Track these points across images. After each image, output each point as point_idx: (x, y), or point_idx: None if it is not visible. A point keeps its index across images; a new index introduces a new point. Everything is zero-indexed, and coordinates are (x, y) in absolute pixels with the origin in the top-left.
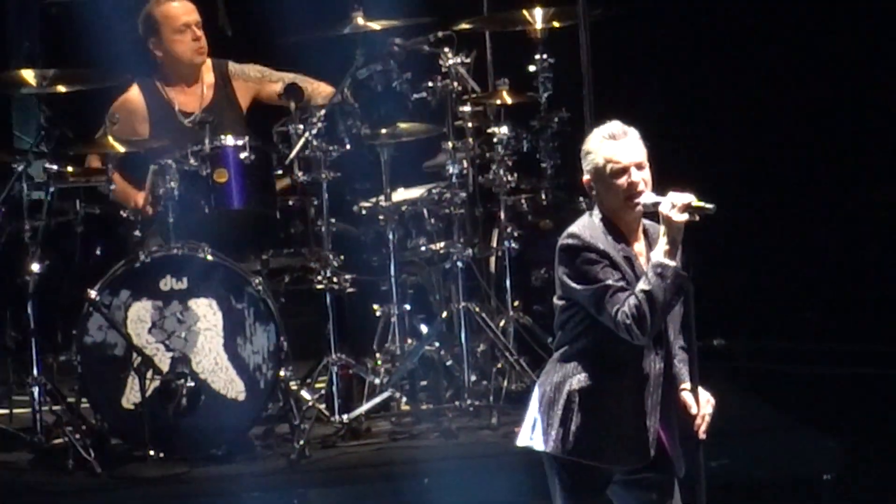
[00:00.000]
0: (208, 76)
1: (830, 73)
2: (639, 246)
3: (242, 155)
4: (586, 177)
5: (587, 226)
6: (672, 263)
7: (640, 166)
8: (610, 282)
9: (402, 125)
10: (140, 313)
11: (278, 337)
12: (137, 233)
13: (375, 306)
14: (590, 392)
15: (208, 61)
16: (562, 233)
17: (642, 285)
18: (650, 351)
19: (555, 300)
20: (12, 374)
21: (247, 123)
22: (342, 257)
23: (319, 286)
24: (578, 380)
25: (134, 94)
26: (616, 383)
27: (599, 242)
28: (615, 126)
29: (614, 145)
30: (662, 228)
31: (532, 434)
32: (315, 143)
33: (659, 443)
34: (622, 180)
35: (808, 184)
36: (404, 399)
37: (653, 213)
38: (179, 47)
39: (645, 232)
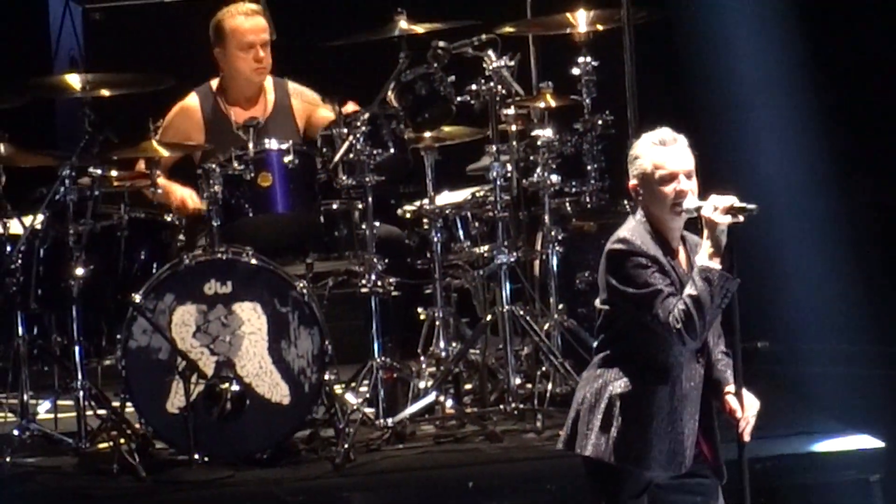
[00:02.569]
0: (269, 92)
1: (870, 75)
2: (680, 253)
3: (287, 159)
4: (633, 181)
5: (636, 231)
6: (717, 266)
7: (689, 175)
8: (662, 286)
9: (446, 128)
10: (184, 317)
11: (322, 341)
12: (181, 237)
13: (420, 310)
14: (631, 397)
15: (270, 78)
16: (605, 236)
17: (689, 290)
18: (692, 357)
19: (597, 303)
20: (57, 378)
21: (302, 141)
22: (386, 261)
23: (364, 290)
24: (620, 385)
25: (192, 102)
26: (657, 389)
27: (649, 248)
28: (665, 132)
29: (664, 151)
30: (706, 232)
31: (573, 438)
32: (359, 146)
33: (700, 448)
34: (670, 188)
35: (851, 186)
36: (449, 402)
37: (694, 220)
38: (241, 64)
39: (683, 240)
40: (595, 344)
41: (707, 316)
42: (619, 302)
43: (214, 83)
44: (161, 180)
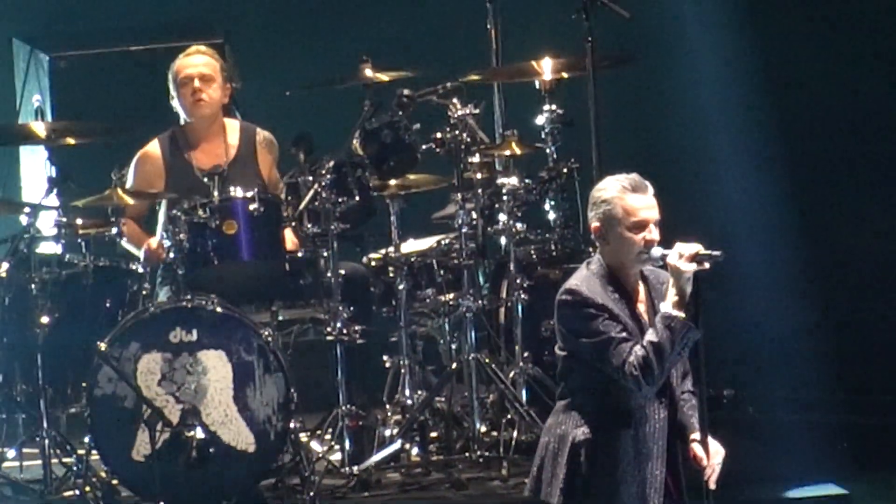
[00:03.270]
0: (233, 136)
1: (838, 125)
2: (640, 293)
3: (252, 207)
4: (596, 223)
5: (584, 280)
6: (680, 315)
7: (657, 224)
8: (613, 334)
9: (411, 176)
10: (150, 365)
11: (288, 388)
12: (147, 285)
13: (385, 357)
14: (594, 443)
15: (235, 123)
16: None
17: (650, 336)
18: (654, 400)
19: (556, 350)
20: (23, 426)
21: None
22: (352, 308)
23: (329, 338)
24: (583, 431)
25: (153, 148)
26: (620, 433)
27: (598, 296)
28: (636, 178)
29: (637, 199)
30: (671, 280)
31: (538, 485)
32: (324, 194)
33: (667, 489)
34: (640, 236)
35: (815, 235)
36: (415, 450)
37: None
38: (181, 101)
39: (644, 279)
40: (557, 390)
41: (666, 363)
42: (573, 351)
43: (178, 130)
44: (127, 230)
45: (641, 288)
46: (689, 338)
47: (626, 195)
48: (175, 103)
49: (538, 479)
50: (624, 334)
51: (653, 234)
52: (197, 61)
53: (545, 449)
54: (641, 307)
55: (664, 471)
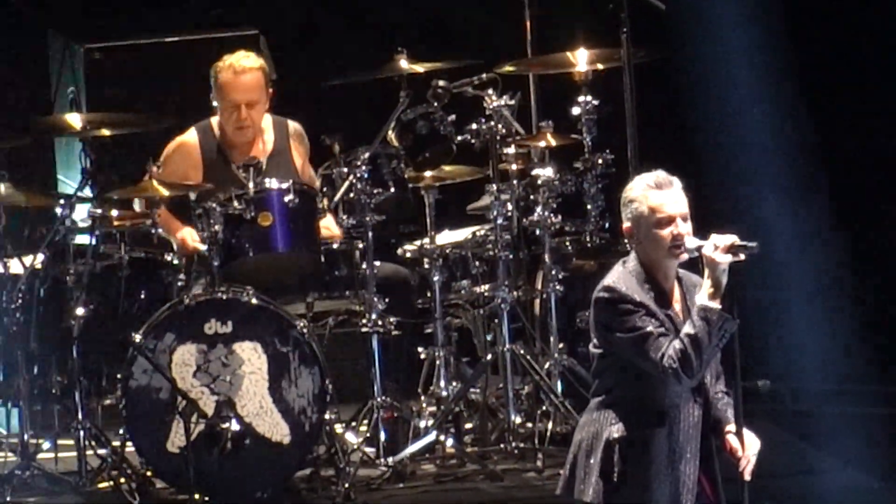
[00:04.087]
0: (268, 132)
1: (868, 110)
2: (675, 294)
3: (287, 198)
4: (627, 224)
5: (621, 277)
6: (716, 306)
7: (685, 218)
8: (650, 328)
9: (447, 168)
10: (185, 357)
11: (323, 380)
12: (182, 276)
13: (420, 349)
14: (628, 442)
15: (268, 117)
16: (605, 274)
17: (688, 329)
18: (689, 398)
19: (591, 348)
20: (58, 418)
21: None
22: (387, 300)
23: (364, 329)
24: (617, 429)
25: (191, 138)
26: (654, 432)
27: (635, 293)
28: (661, 175)
29: (661, 195)
30: (706, 271)
31: (571, 482)
32: (359, 186)
33: (702, 487)
34: (667, 231)
35: (854, 225)
36: (449, 442)
37: (694, 260)
38: (225, 119)
39: (679, 280)
40: (592, 388)
41: (704, 355)
42: (610, 348)
43: (215, 120)
44: (162, 217)
45: (676, 289)
46: (725, 329)
47: (650, 192)
48: (216, 104)
49: (571, 476)
50: (662, 329)
51: (679, 228)
52: (245, 85)
53: (578, 447)
54: (677, 307)
55: (697, 470)
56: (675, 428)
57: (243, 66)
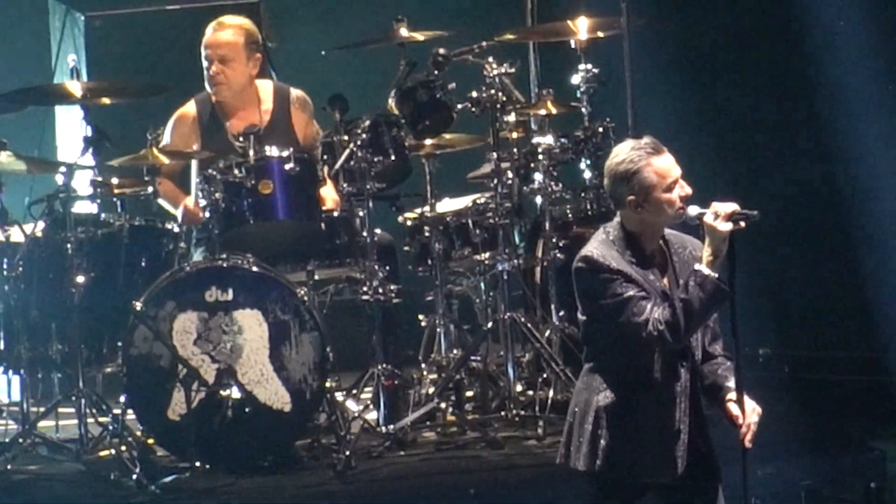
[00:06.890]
0: (266, 100)
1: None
2: (659, 255)
3: (287, 166)
4: (630, 197)
5: (599, 246)
6: (713, 274)
7: (681, 176)
8: (631, 292)
9: (447, 136)
10: (185, 325)
11: (324, 348)
12: (182, 244)
13: (421, 317)
14: (616, 408)
15: (269, 85)
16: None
17: (681, 293)
18: (675, 362)
19: (579, 315)
20: (58, 386)
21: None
22: (388, 268)
23: (365, 297)
24: (605, 396)
25: (189, 109)
26: (642, 397)
27: (612, 261)
28: (652, 141)
29: (662, 160)
30: (707, 239)
31: (569, 451)
32: (360, 154)
33: (695, 451)
34: (674, 193)
35: (853, 192)
36: (450, 409)
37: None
38: (206, 74)
39: (666, 242)
40: (583, 354)
41: (692, 321)
42: (594, 316)
43: None
44: (164, 188)
45: (664, 250)
46: (717, 298)
47: (652, 159)
48: None
49: (568, 444)
50: (642, 293)
51: (685, 188)
52: (217, 40)
53: (573, 415)
54: (660, 270)
55: (688, 433)
56: (662, 393)
57: (222, 23)
